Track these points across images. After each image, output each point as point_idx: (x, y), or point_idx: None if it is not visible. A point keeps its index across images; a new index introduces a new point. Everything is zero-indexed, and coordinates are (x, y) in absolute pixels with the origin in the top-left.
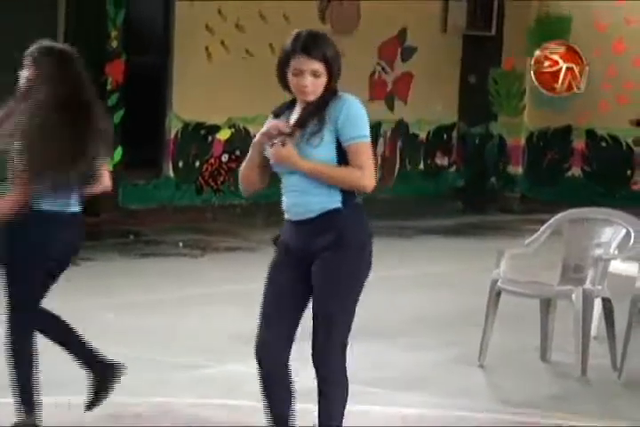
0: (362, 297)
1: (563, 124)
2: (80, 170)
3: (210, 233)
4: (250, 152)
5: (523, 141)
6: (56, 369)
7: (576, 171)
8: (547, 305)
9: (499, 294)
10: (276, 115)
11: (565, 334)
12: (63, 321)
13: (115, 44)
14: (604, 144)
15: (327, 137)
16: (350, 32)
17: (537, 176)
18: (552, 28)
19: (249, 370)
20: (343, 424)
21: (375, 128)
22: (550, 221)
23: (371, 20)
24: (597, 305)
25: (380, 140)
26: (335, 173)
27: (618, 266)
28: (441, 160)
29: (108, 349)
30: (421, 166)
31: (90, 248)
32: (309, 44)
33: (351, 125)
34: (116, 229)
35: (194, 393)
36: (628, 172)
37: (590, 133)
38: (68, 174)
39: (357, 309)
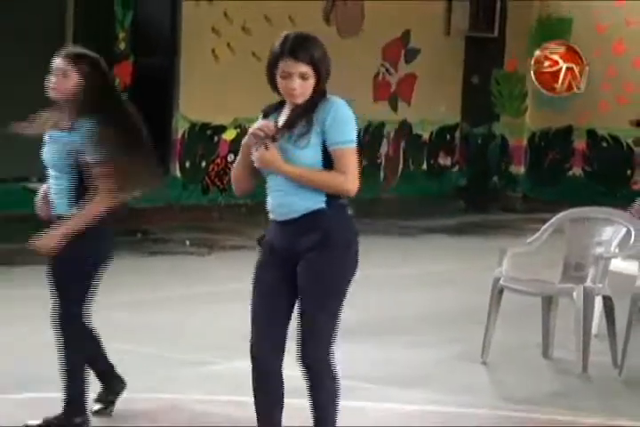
0: (366, 295)
1: (564, 124)
2: (156, 186)
3: (216, 232)
4: (240, 153)
5: (525, 142)
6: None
7: (577, 171)
8: (548, 303)
9: (501, 291)
10: (265, 114)
11: (567, 331)
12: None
13: (122, 45)
14: (604, 144)
15: (314, 139)
16: (355, 34)
17: (539, 176)
18: (553, 30)
19: None
20: (345, 421)
21: (379, 128)
22: (552, 221)
23: (375, 22)
24: (598, 303)
25: (384, 141)
26: (318, 178)
27: (618, 264)
28: (444, 160)
29: (116, 346)
30: (424, 166)
31: None
32: (297, 47)
33: (337, 130)
34: (124, 228)
35: (201, 390)
36: (629, 171)
37: (591, 134)
38: (144, 189)
39: (361, 307)
